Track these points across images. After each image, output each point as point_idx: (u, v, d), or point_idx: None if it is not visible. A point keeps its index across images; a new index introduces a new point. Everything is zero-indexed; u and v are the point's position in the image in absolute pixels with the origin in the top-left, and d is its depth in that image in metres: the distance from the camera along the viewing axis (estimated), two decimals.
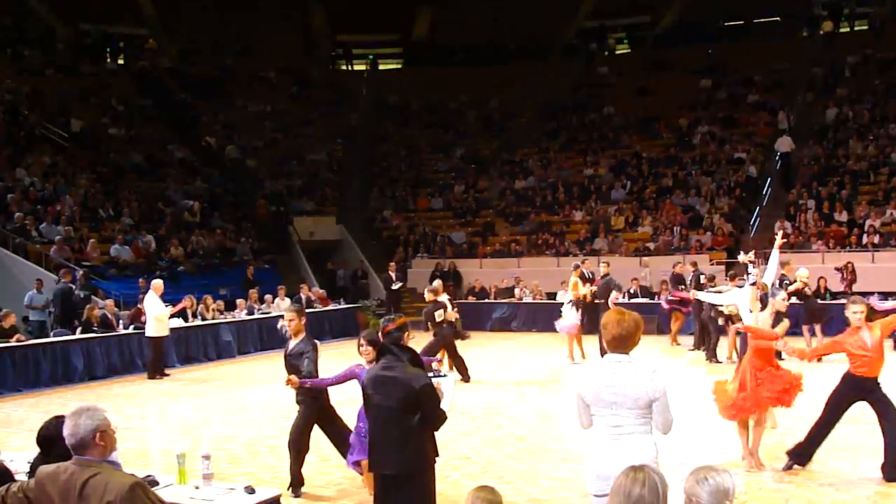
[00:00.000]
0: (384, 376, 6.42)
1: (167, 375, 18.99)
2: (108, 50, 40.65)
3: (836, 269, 23.03)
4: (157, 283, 19.17)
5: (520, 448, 11.20)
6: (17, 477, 5.71)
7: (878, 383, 9.23)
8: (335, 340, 24.28)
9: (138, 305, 20.33)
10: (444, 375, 7.42)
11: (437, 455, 6.63)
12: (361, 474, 8.42)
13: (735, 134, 34.43)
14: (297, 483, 9.14)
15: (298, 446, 9.07)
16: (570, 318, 19.64)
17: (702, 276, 21.04)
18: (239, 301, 23.91)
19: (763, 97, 36.25)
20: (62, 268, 22.89)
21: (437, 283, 17.63)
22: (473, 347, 20.57)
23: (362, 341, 7.99)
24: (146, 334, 19.03)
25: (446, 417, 6.51)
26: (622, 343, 5.46)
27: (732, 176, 31.63)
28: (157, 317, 18.77)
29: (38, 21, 39.61)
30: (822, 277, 22.17)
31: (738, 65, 38.09)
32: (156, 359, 18.97)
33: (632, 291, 24.83)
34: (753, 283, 10.72)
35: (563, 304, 20.17)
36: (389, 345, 6.61)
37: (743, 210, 30.45)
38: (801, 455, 9.60)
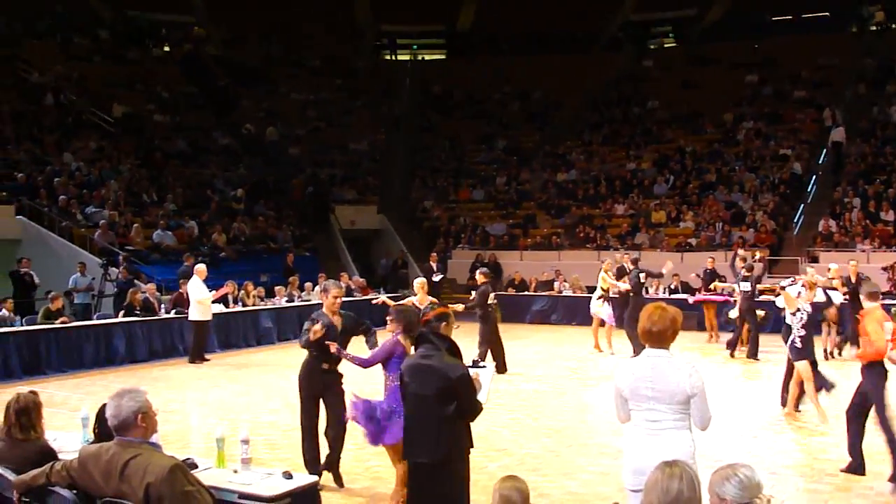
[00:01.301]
0: (422, 365, 6.43)
1: (207, 360, 19.15)
2: (154, 37, 40.94)
3: (883, 268, 22.82)
4: (201, 268, 19.34)
5: (557, 441, 11.18)
6: (60, 456, 5.81)
7: None
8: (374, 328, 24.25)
9: (180, 290, 20.50)
10: (484, 366, 7.42)
11: (472, 446, 6.63)
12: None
13: (780, 130, 34.13)
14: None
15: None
16: (599, 310, 19.94)
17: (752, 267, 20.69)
18: (278, 288, 24.03)
19: (810, 93, 35.90)
20: (106, 251, 23.20)
21: (419, 281, 15.27)
22: (512, 340, 20.54)
23: (392, 313, 8.03)
24: (189, 318, 19.22)
25: (482, 408, 6.52)
26: (658, 338, 5.45)
27: (777, 172, 31.38)
28: (200, 301, 18.93)
29: (87, 8, 39.99)
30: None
31: (785, 60, 37.75)
32: (197, 343, 19.14)
33: (672, 287, 24.71)
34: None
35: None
36: (428, 333, 6.62)
37: (787, 207, 30.17)
38: None
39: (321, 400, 9.04)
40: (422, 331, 6.73)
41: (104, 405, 6.01)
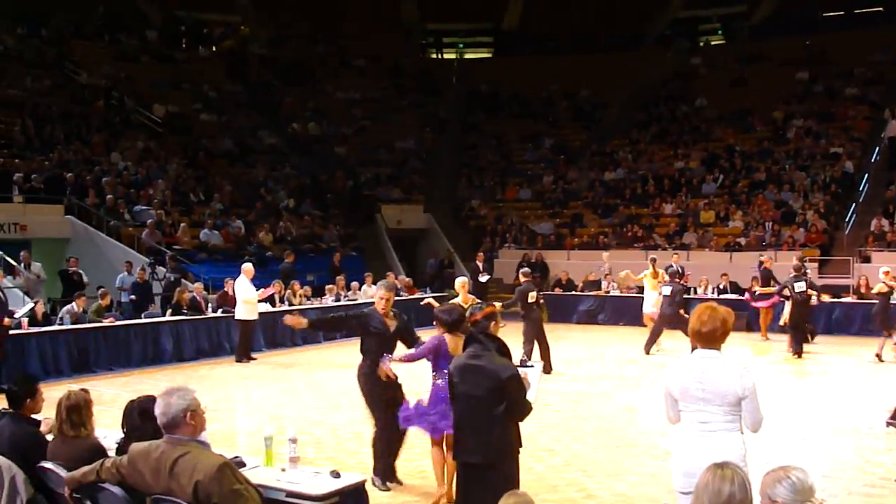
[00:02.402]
0: (471, 365, 6.42)
1: (254, 359, 19.28)
2: (201, 37, 41.25)
3: None
4: (248, 267, 19.45)
5: (605, 442, 11.15)
6: (109, 453, 5.88)
7: None
8: (420, 329, 24.26)
9: (225, 289, 20.63)
10: (531, 366, 7.40)
11: (521, 446, 6.65)
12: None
13: (831, 128, 33.73)
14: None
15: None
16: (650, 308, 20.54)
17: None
18: (328, 287, 24.11)
19: (862, 90, 35.44)
20: (153, 251, 23.42)
21: (461, 280, 15.21)
22: (559, 340, 20.50)
23: (435, 315, 8.06)
24: (235, 317, 19.36)
25: (531, 408, 6.50)
26: (708, 338, 5.42)
27: (828, 171, 31.03)
28: (247, 300, 19.05)
29: (134, 8, 40.38)
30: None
31: (837, 56, 37.28)
32: (244, 342, 19.27)
33: (721, 287, 24.54)
34: None
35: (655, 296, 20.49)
36: (477, 333, 6.64)
37: (838, 206, 29.82)
38: None
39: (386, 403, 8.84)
40: (470, 331, 6.74)
41: (132, 402, 6.10)
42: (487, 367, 6.33)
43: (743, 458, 5.20)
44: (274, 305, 21.79)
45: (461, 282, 14.85)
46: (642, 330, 21.34)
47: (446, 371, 7.22)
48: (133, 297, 21.24)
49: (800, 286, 18.96)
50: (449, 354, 7.81)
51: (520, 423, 6.57)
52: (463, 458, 6.49)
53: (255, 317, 19.51)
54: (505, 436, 6.33)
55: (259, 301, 19.69)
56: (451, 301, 15.55)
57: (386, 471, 9.00)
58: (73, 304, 18.31)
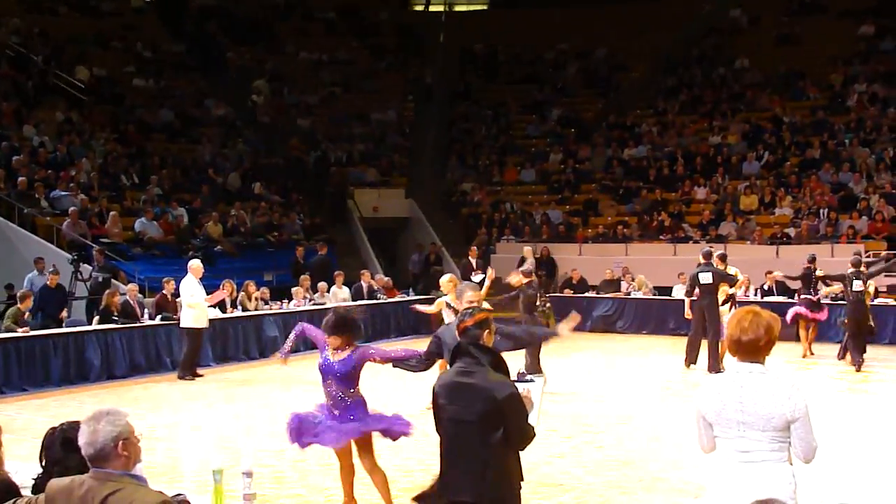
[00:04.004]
0: (460, 383, 6.31)
1: (200, 376, 19.24)
2: None
3: None
4: (196, 265, 19.35)
5: (625, 475, 11.18)
6: (22, 491, 5.86)
7: None
8: (402, 338, 24.32)
9: (164, 291, 20.58)
10: (532, 380, 7.35)
11: (523, 480, 6.60)
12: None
13: None
14: None
15: None
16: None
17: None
18: (295, 289, 24.09)
19: None
20: (76, 244, 23.32)
21: (446, 278, 15.44)
22: (570, 351, 20.54)
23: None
24: (181, 325, 19.30)
25: (535, 434, 6.43)
26: (750, 350, 5.42)
27: None
28: (191, 304, 18.98)
29: None
30: None
31: None
32: (190, 355, 19.20)
33: (766, 287, 24.58)
34: None
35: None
36: (468, 345, 6.48)
37: None
38: None
39: None
40: (459, 342, 6.65)
41: (53, 429, 6.07)
42: (480, 385, 6.22)
43: (793, 495, 5.21)
44: (224, 311, 21.75)
45: (447, 279, 14.87)
46: (670, 340, 21.37)
47: None
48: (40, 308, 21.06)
49: (857, 285, 19.09)
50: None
51: (520, 453, 6.52)
52: (451, 496, 6.41)
53: (204, 325, 19.45)
54: (503, 469, 6.25)
55: (209, 306, 19.65)
56: (440, 301, 15.58)
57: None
58: None
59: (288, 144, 34.69)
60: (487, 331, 6.62)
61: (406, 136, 38.24)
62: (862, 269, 19.52)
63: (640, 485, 10.73)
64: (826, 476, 10.46)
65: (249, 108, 36.10)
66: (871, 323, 20.14)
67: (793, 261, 25.26)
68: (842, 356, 19.79)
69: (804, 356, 21.46)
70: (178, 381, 18.83)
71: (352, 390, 8.95)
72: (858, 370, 18.90)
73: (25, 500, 5.36)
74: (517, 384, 6.60)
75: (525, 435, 6.33)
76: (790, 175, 31.39)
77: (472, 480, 6.22)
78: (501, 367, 6.47)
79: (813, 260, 21.92)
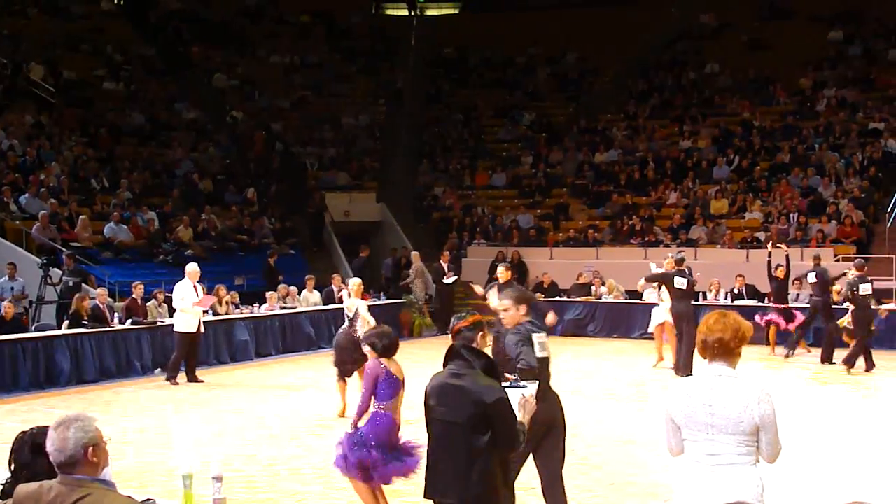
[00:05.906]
0: (451, 385, 6.33)
1: (201, 381, 18.90)
2: None
3: None
4: (192, 269, 19.04)
5: (595, 479, 11.20)
6: None
7: None
8: None
9: (133, 296, 20.46)
10: (524, 385, 7.31)
11: (508, 486, 6.63)
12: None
13: (870, 99, 33.99)
14: None
15: None
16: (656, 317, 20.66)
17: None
18: (269, 294, 24.03)
19: None
20: (46, 249, 23.19)
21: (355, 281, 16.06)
22: None
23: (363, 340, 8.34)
24: (175, 329, 19.16)
25: (524, 440, 6.46)
26: (718, 351, 5.43)
27: (866, 151, 31.25)
28: (182, 308, 18.77)
29: None
30: None
31: (878, 12, 37.47)
32: (177, 359, 19.01)
33: (735, 291, 24.67)
34: None
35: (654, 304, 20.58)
36: (459, 347, 6.50)
37: (878, 193, 30.04)
38: None
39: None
40: (452, 345, 6.65)
41: (22, 433, 6.02)
42: (470, 388, 6.23)
43: (760, 498, 5.22)
44: (216, 315, 21.67)
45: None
46: (640, 344, 21.44)
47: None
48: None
49: (865, 289, 19.27)
50: (393, 377, 8.12)
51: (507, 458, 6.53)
52: (435, 497, 6.45)
53: (193, 329, 19.16)
54: (488, 472, 6.24)
55: (198, 308, 19.42)
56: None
57: None
58: None
59: (258, 148, 34.59)
60: (481, 334, 6.66)
61: (377, 139, 38.20)
62: (865, 271, 19.75)
63: (611, 489, 10.74)
64: (826, 477, 10.51)
65: (221, 112, 35.98)
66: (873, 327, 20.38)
67: (764, 265, 25.38)
68: (852, 365, 19.36)
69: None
70: (149, 386, 18.64)
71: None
72: (868, 371, 19.28)
73: None
74: (515, 391, 6.65)
75: (513, 440, 6.32)
76: (760, 179, 31.54)
77: (458, 482, 6.24)
78: (493, 372, 6.48)
79: (818, 258, 22.23)
